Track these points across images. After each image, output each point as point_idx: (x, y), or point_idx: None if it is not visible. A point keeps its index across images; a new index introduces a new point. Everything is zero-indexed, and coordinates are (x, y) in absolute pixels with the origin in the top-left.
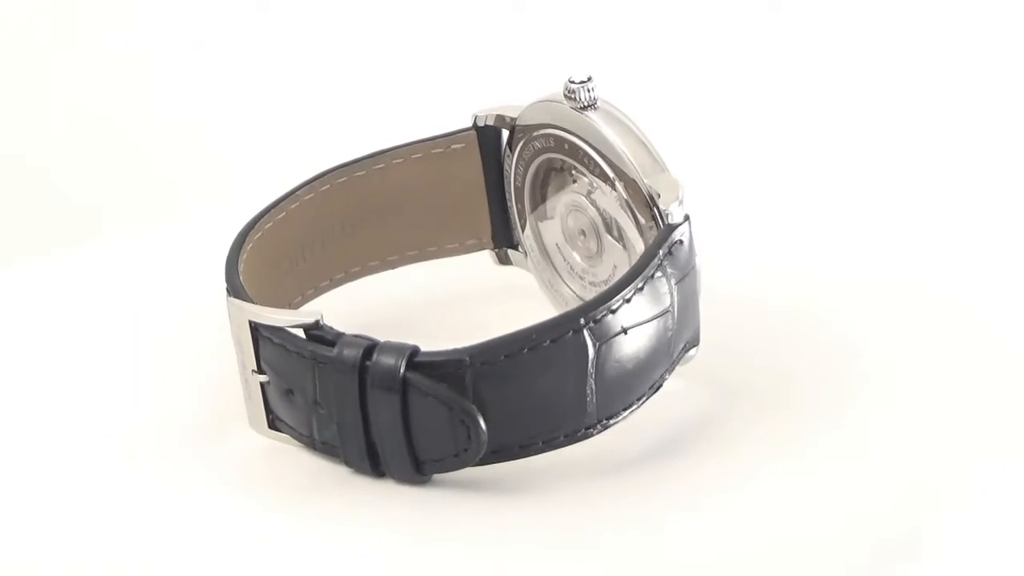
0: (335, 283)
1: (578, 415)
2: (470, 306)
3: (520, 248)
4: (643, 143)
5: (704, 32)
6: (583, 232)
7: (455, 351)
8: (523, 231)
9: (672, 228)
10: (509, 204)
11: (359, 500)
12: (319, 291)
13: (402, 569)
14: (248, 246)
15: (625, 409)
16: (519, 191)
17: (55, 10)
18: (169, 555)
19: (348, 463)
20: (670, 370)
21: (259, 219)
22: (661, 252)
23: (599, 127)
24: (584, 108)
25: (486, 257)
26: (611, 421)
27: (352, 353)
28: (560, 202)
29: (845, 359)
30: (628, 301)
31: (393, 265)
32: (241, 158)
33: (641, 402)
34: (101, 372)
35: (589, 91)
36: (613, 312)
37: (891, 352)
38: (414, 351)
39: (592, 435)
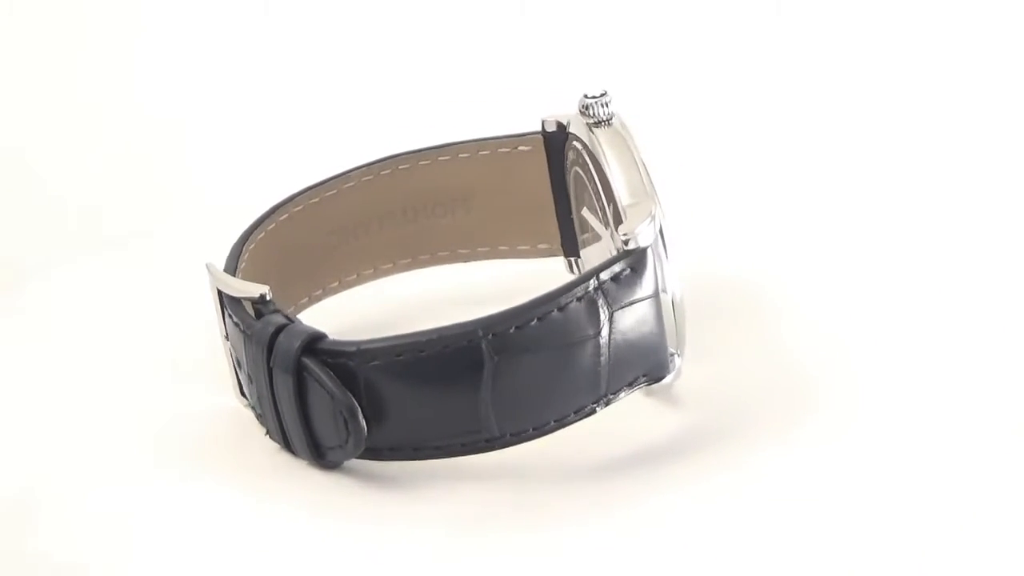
0: (399, 268)
1: (473, 426)
2: None
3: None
4: (636, 167)
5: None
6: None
7: (349, 343)
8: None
9: (624, 255)
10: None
11: (274, 476)
12: (379, 273)
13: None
14: (282, 216)
15: (536, 428)
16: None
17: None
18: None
19: (272, 438)
20: (607, 397)
21: (303, 192)
22: (602, 275)
23: (599, 145)
24: (597, 124)
25: (561, 263)
26: (518, 437)
27: (265, 330)
28: (589, 217)
29: (830, 388)
30: (541, 320)
31: (464, 259)
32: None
33: (561, 424)
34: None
35: (604, 106)
36: (519, 328)
37: (876, 381)
38: (317, 336)
39: (496, 447)
